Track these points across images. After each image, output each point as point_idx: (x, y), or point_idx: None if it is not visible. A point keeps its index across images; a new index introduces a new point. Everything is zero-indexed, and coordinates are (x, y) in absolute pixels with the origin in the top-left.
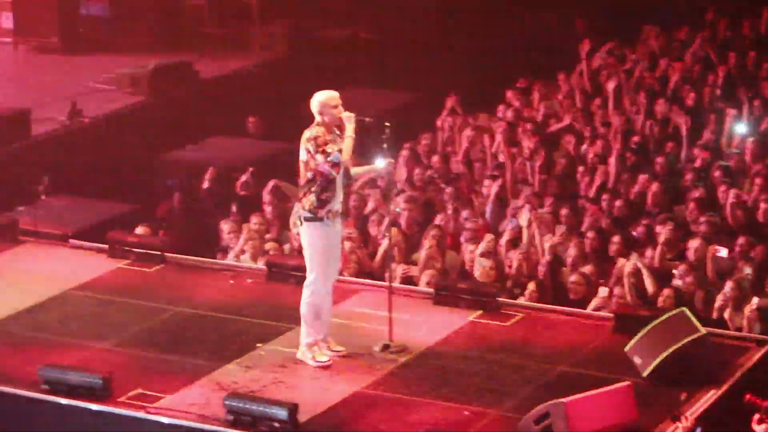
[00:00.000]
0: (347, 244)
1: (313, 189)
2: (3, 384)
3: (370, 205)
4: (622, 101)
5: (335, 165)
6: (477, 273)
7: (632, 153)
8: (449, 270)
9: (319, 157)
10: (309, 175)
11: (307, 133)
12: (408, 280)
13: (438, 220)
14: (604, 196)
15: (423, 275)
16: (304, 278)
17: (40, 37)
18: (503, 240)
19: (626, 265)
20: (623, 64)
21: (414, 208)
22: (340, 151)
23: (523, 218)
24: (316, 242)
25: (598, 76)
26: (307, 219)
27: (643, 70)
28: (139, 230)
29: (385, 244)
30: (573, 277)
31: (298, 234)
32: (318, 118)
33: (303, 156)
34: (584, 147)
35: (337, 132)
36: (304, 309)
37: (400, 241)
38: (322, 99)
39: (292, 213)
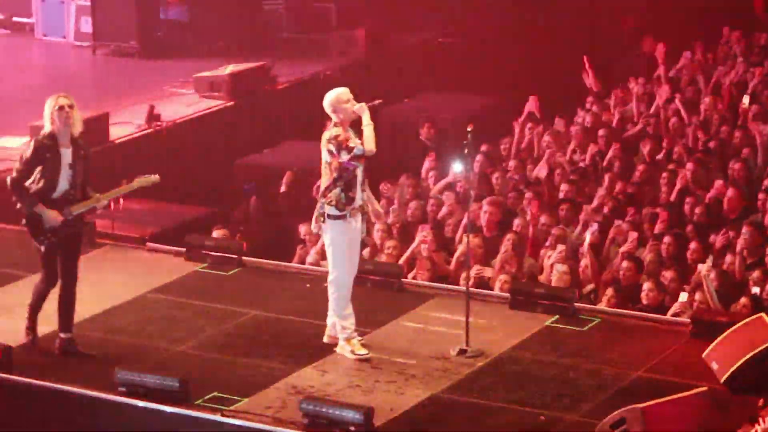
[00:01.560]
0: (423, 247)
1: (339, 185)
2: (80, 386)
3: (445, 209)
4: (700, 105)
5: (359, 158)
6: (553, 278)
7: (708, 158)
8: (527, 275)
9: (344, 155)
10: (335, 174)
11: (327, 135)
12: (481, 281)
13: (516, 225)
14: (687, 200)
15: (497, 280)
16: (382, 281)
17: (119, 41)
18: (584, 246)
19: (702, 269)
20: (704, 67)
21: (495, 212)
22: (361, 146)
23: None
24: (340, 239)
25: (679, 81)
26: (331, 216)
27: (721, 75)
28: (216, 233)
29: (461, 248)
30: (646, 285)
31: (317, 233)
32: (334, 118)
33: (326, 157)
34: (660, 156)
35: (351, 130)
36: (333, 305)
37: (477, 245)
38: (333, 97)
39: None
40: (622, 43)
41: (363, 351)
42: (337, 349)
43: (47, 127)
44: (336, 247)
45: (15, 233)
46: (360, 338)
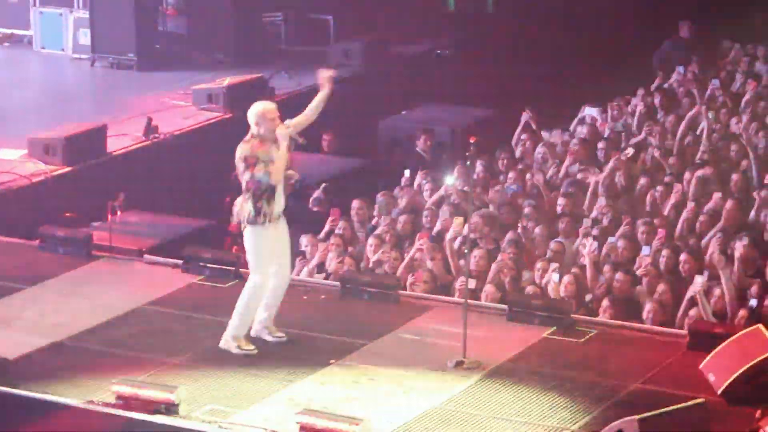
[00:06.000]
0: (419, 256)
1: (248, 198)
2: (77, 399)
3: (439, 224)
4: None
5: (261, 183)
6: (554, 289)
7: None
8: (524, 286)
9: (247, 175)
10: (244, 185)
11: (238, 152)
12: (469, 292)
13: (514, 237)
14: (684, 214)
15: (484, 290)
16: (379, 293)
17: (117, 53)
18: (584, 257)
19: (697, 282)
20: (701, 80)
21: (489, 224)
22: (268, 173)
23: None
24: (258, 245)
25: (675, 93)
26: (249, 222)
27: (716, 87)
28: None
29: (449, 252)
30: (648, 305)
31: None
32: (254, 129)
33: (240, 169)
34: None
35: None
36: (240, 305)
37: (480, 256)
38: (259, 110)
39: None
40: (620, 54)
41: (250, 346)
42: (221, 344)
43: None
44: (255, 252)
45: (13, 245)
46: (273, 336)
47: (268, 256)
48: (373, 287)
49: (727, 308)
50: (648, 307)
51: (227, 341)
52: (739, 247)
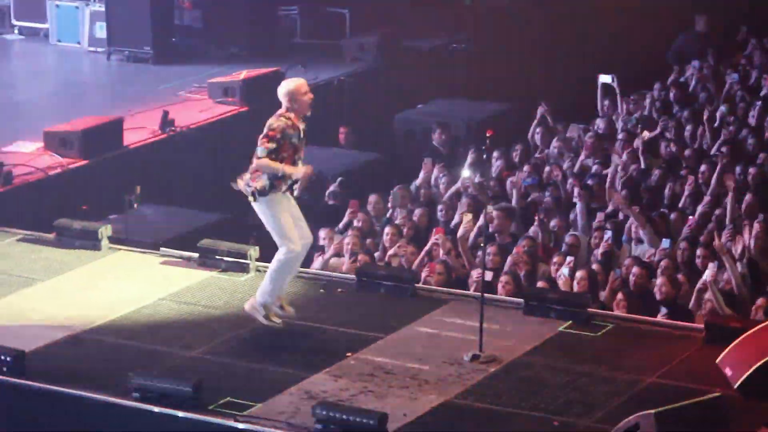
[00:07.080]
0: (440, 253)
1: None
2: (94, 391)
3: (456, 218)
4: (712, 111)
5: (257, 155)
6: (560, 282)
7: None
8: (540, 280)
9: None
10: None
11: (271, 121)
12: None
13: (531, 230)
14: (700, 207)
15: (499, 282)
16: (395, 287)
17: (133, 47)
18: (595, 252)
19: (707, 274)
20: (717, 75)
21: (507, 218)
22: (266, 150)
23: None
24: (276, 212)
25: (692, 87)
26: (261, 194)
27: (735, 81)
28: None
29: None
30: (659, 280)
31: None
32: (289, 105)
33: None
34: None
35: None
36: (273, 271)
37: (493, 251)
38: (293, 87)
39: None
40: (636, 48)
41: (277, 320)
42: (247, 307)
43: None
44: (275, 220)
45: (29, 238)
46: (282, 310)
47: (290, 222)
48: (390, 280)
49: (735, 291)
50: (659, 281)
51: (254, 308)
52: (756, 226)
